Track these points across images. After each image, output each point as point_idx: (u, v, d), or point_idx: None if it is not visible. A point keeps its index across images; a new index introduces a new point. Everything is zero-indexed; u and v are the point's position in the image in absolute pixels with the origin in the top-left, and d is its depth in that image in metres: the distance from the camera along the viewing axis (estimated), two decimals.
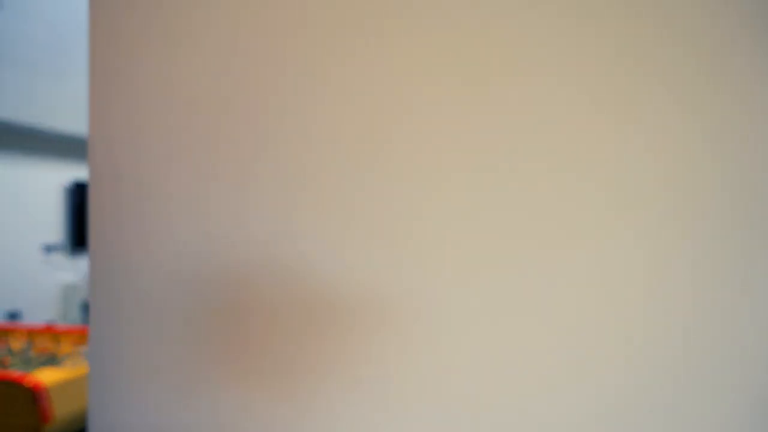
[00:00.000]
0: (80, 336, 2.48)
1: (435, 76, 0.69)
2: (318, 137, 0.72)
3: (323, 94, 0.72)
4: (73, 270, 5.52)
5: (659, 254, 0.63)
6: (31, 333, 2.59)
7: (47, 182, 5.26)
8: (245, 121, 0.75)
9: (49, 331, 2.58)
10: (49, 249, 5.23)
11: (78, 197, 5.48)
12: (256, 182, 0.74)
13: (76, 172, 5.61)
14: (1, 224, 4.73)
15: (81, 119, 4.87)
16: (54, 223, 5.34)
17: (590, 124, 0.65)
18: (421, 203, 0.70)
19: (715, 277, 0.63)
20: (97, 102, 0.82)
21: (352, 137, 0.71)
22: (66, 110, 4.64)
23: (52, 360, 2.18)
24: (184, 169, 0.76)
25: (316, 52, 0.72)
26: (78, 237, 5.48)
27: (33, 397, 1.73)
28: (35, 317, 5.12)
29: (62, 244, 5.41)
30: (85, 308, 4.91)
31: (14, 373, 1.83)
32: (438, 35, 0.69)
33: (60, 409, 1.82)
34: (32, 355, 2.26)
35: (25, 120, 4.34)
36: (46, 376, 1.85)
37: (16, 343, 2.41)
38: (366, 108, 0.70)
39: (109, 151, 0.81)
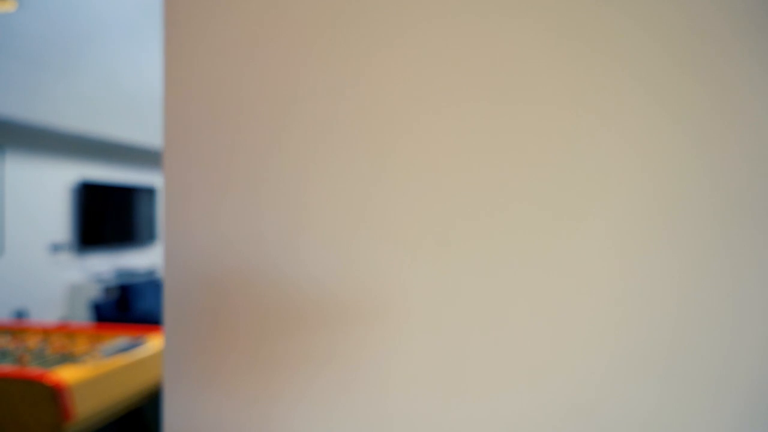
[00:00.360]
0: (95, 335, 2.46)
1: (431, 80, 0.71)
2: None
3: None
4: (80, 269, 5.50)
5: (635, 246, 0.65)
6: (46, 332, 2.58)
7: (54, 181, 5.24)
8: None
9: (64, 330, 2.56)
10: (55, 248, 5.21)
11: (84, 196, 5.47)
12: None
13: (82, 171, 5.59)
14: (8, 223, 4.72)
15: (87, 117, 4.85)
16: (60, 222, 5.32)
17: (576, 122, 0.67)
18: (398, 203, 0.71)
19: (694, 269, 0.63)
20: (172, 108, 0.82)
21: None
22: (73, 108, 4.62)
23: (69, 358, 2.17)
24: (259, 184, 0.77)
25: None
26: (84, 236, 5.46)
27: (54, 394, 1.72)
28: (42, 316, 5.10)
29: (69, 244, 5.40)
30: (94, 308, 4.89)
31: (34, 370, 1.82)
32: (434, 40, 0.70)
33: (82, 407, 1.80)
34: (49, 354, 2.25)
35: (33, 118, 4.32)
36: (67, 374, 1.84)
37: (32, 342, 2.40)
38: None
39: (184, 165, 0.81)
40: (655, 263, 0.64)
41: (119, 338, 2.14)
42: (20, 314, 4.84)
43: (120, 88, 4.85)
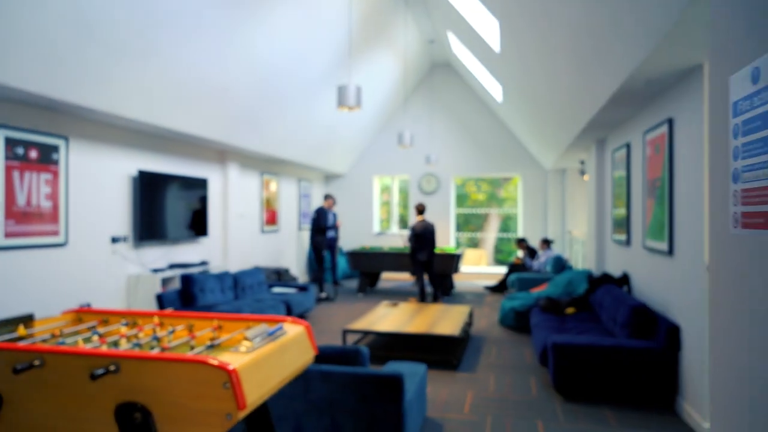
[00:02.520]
0: (226, 322, 2.38)
1: None
2: None
3: None
4: (136, 262, 5.44)
5: None
6: (164, 318, 2.49)
7: (114, 171, 5.17)
8: None
9: (184, 316, 2.47)
10: (115, 240, 5.15)
11: (143, 187, 5.39)
12: None
13: (140, 162, 5.52)
14: (71, 214, 4.65)
15: (152, 107, 4.77)
16: (120, 214, 5.25)
17: None
18: None
19: None
20: None
21: None
22: (138, 97, 4.54)
23: (214, 345, 2.09)
24: None
25: None
26: (142, 228, 5.39)
27: (230, 382, 1.63)
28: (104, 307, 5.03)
29: (127, 236, 5.33)
30: (158, 299, 4.82)
31: (202, 356, 1.73)
32: None
33: (250, 396, 1.72)
34: (194, 342, 2.16)
35: (99, 107, 4.24)
36: (233, 360, 1.76)
37: (161, 330, 2.31)
38: None
39: None
40: None
41: (260, 324, 2.04)
42: (85, 306, 4.78)
43: (181, 78, 4.77)
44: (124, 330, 2.36)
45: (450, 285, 8.24)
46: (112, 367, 1.74)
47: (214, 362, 1.68)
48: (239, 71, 5.44)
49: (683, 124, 3.48)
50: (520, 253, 8.85)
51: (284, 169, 9.14)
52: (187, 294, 4.99)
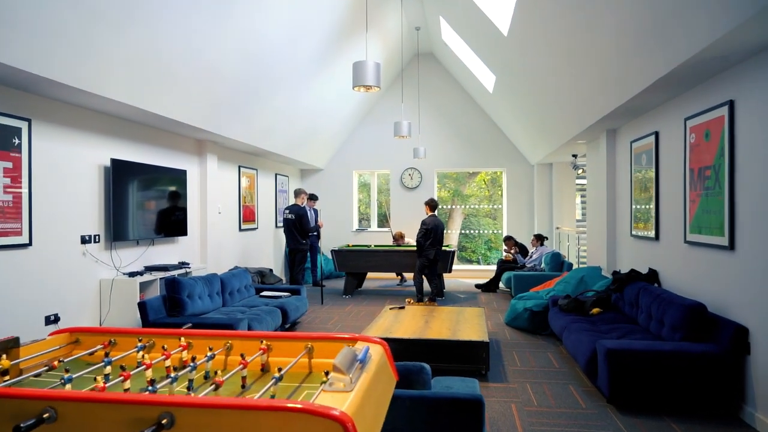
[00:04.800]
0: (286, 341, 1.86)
1: None
2: None
3: None
4: (112, 264, 4.75)
5: None
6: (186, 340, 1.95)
7: (85, 160, 4.48)
8: None
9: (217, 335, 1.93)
10: (85, 240, 4.46)
11: (117, 179, 4.72)
12: None
13: (114, 150, 4.83)
14: (35, 209, 3.95)
15: (131, 86, 4.12)
16: (91, 210, 4.56)
17: None
18: None
19: None
20: None
21: None
22: (113, 73, 3.88)
23: (282, 377, 1.59)
24: None
25: None
26: (117, 226, 4.71)
27: None
28: (77, 319, 4.34)
29: (99, 235, 4.64)
30: (141, 308, 4.17)
31: (304, 402, 1.23)
32: None
33: None
34: (243, 371, 1.64)
35: (69, 83, 3.58)
36: (333, 402, 1.27)
37: (188, 356, 1.76)
38: None
39: None
40: None
41: (343, 348, 1.55)
42: (53, 319, 4.08)
43: (164, 54, 4.14)
44: (144, 356, 1.80)
45: (442, 286, 7.85)
46: (164, 420, 1.22)
47: (322, 410, 1.18)
48: (227, 53, 4.84)
49: (749, 106, 3.18)
50: (510, 251, 8.56)
51: (262, 162, 8.50)
52: (174, 301, 4.36)
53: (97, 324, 4.59)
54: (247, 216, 7.88)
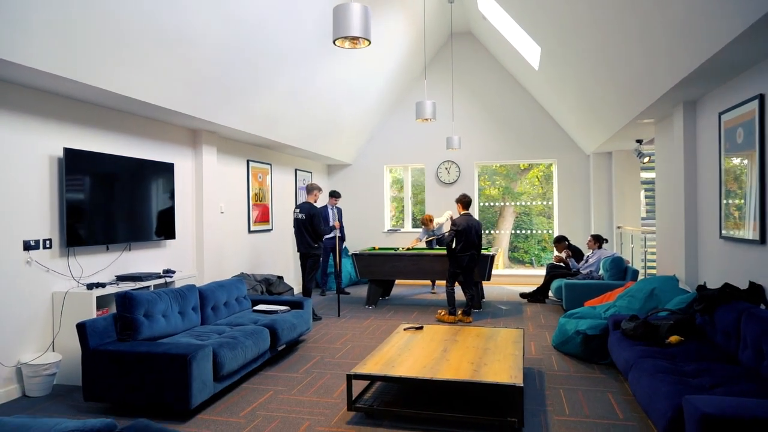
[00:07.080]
0: None
1: None
2: None
3: None
4: (69, 274, 3.99)
5: None
6: None
7: (30, 150, 3.72)
8: None
9: None
10: (29, 246, 3.70)
11: (73, 172, 3.94)
12: None
13: (72, 138, 4.07)
14: None
15: (90, 62, 3.30)
16: (38, 210, 3.80)
17: None
18: None
19: None
20: None
21: None
22: (61, 45, 3.08)
23: None
24: None
25: None
26: (76, 229, 3.94)
27: None
28: (15, 344, 3.57)
29: (50, 239, 3.88)
30: (80, 330, 3.34)
31: None
32: None
33: None
34: None
35: (5, 56, 2.79)
36: None
37: None
38: None
39: None
40: None
41: None
42: None
43: (124, 20, 3.32)
44: None
45: (480, 295, 6.73)
46: None
47: None
48: (199, 19, 3.96)
49: None
50: (563, 254, 7.32)
51: (277, 156, 7.66)
52: (125, 321, 3.52)
53: (47, 348, 3.82)
54: (260, 216, 7.05)
